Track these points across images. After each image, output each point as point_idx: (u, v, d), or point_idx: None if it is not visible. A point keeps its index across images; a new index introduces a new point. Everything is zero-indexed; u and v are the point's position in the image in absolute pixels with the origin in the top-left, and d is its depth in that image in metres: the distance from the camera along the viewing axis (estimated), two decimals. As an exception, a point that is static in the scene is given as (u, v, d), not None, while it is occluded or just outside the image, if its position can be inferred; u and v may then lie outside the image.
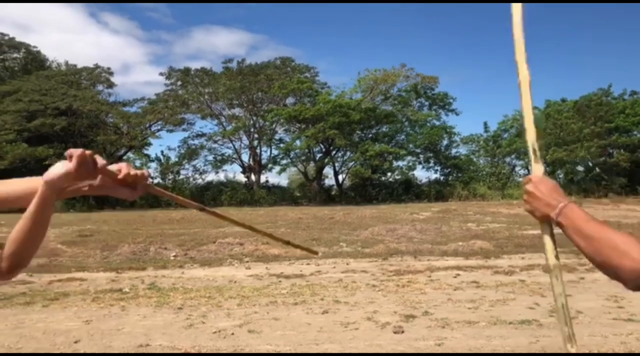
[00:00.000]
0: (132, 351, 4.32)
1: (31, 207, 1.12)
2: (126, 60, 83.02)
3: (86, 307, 6.06)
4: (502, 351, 4.18)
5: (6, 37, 36.55)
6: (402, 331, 4.81)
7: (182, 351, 4.32)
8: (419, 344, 4.42)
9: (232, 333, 4.85)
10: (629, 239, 1.03)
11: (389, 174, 36.88)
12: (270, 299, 6.29)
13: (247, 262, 9.39)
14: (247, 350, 4.33)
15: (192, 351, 4.32)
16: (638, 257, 0.98)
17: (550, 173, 41.86)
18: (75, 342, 4.63)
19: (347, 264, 8.87)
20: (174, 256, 10.17)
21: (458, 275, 7.67)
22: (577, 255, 9.37)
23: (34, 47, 38.48)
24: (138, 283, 7.46)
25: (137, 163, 41.39)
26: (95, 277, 8.03)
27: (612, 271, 1.03)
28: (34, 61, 38.67)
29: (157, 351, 4.35)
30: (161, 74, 36.70)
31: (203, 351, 4.30)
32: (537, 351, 4.13)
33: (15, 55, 38.73)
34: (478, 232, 13.49)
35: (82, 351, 4.36)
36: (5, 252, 1.17)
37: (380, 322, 5.13)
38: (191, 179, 38.26)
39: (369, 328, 4.98)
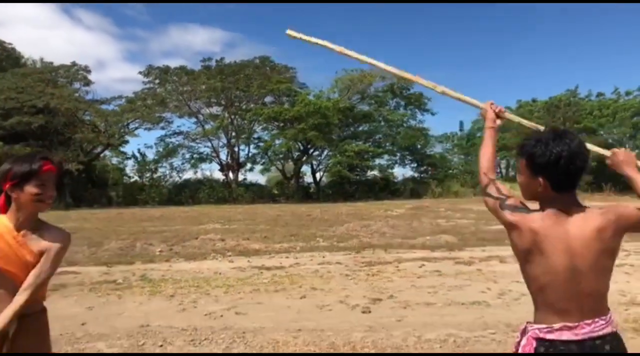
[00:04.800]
0: (136, 331, 4.97)
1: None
2: (101, 57, 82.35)
3: (85, 296, 6.66)
4: (451, 324, 4.96)
5: (-20, 34, 36.18)
6: (369, 311, 5.56)
7: (179, 329, 4.98)
8: (382, 321, 5.17)
9: (222, 315, 5.53)
10: (492, 162, 2.05)
11: (367, 172, 37.81)
12: (253, 287, 6.97)
13: (230, 255, 10.04)
14: (235, 328, 5.02)
15: (188, 329, 4.98)
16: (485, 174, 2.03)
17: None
18: (83, 324, 5.25)
19: (323, 257, 9.60)
20: (160, 251, 10.74)
21: (423, 265, 8.47)
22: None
23: (9, 44, 38.11)
24: (129, 275, 8.05)
25: (114, 160, 41.50)
26: (88, 271, 8.58)
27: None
28: (9, 58, 38.22)
29: (157, 331, 5.00)
30: (140, 72, 36.86)
31: (198, 329, 4.98)
32: (480, 325, 4.93)
33: (-11, 52, 38.24)
34: (446, 227, 14.38)
35: (90, 331, 4.99)
36: None
37: (350, 304, 5.87)
38: (168, 177, 38.57)
39: (341, 309, 5.72)
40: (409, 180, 39.28)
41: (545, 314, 1.79)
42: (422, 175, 39.90)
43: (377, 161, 37.77)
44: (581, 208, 1.81)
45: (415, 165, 40.19)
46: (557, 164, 1.76)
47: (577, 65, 65.20)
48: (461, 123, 48.36)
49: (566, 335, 1.74)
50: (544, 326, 1.77)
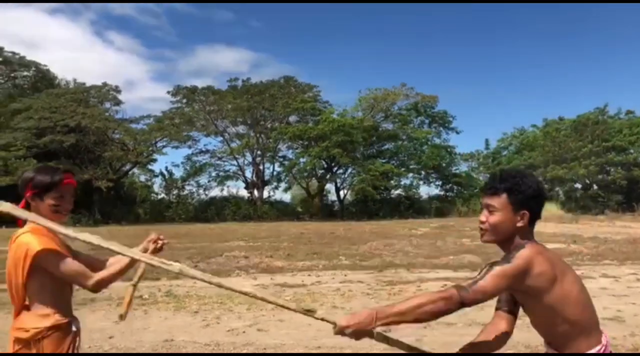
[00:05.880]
0: (160, 345, 5.11)
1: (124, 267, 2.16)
2: (130, 77, 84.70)
3: (112, 311, 6.84)
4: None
5: (17, 56, 37.63)
6: (389, 331, 5.57)
7: (202, 344, 5.11)
8: (402, 340, 5.19)
9: (244, 332, 5.64)
10: (428, 295, 1.73)
11: (392, 190, 37.73)
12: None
13: (253, 273, 10.17)
14: (257, 344, 5.12)
15: (211, 344, 5.11)
16: (434, 298, 1.70)
17: (549, 190, 42.60)
18: (110, 338, 5.42)
19: (345, 275, 9.64)
20: (185, 268, 10.93)
21: (445, 285, 8.42)
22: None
23: (44, 65, 39.64)
24: (155, 291, 8.25)
25: (142, 178, 42.41)
26: (115, 286, 8.71)
27: (443, 314, 1.72)
28: (44, 79, 39.75)
29: (181, 346, 5.13)
30: (168, 92, 37.83)
31: (221, 344, 5.10)
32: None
33: (25, 73, 39.80)
34: (471, 247, 14.24)
35: (117, 345, 5.16)
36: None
37: (371, 323, 5.90)
38: (195, 194, 39.19)
39: (361, 328, 5.75)
40: (435, 199, 39.02)
41: (587, 339, 1.77)
42: (447, 194, 39.60)
43: (403, 181, 37.72)
44: None
45: (441, 183, 39.94)
46: (540, 195, 1.83)
47: (607, 82, 64.22)
48: (487, 141, 47.89)
49: (608, 351, 1.78)
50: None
